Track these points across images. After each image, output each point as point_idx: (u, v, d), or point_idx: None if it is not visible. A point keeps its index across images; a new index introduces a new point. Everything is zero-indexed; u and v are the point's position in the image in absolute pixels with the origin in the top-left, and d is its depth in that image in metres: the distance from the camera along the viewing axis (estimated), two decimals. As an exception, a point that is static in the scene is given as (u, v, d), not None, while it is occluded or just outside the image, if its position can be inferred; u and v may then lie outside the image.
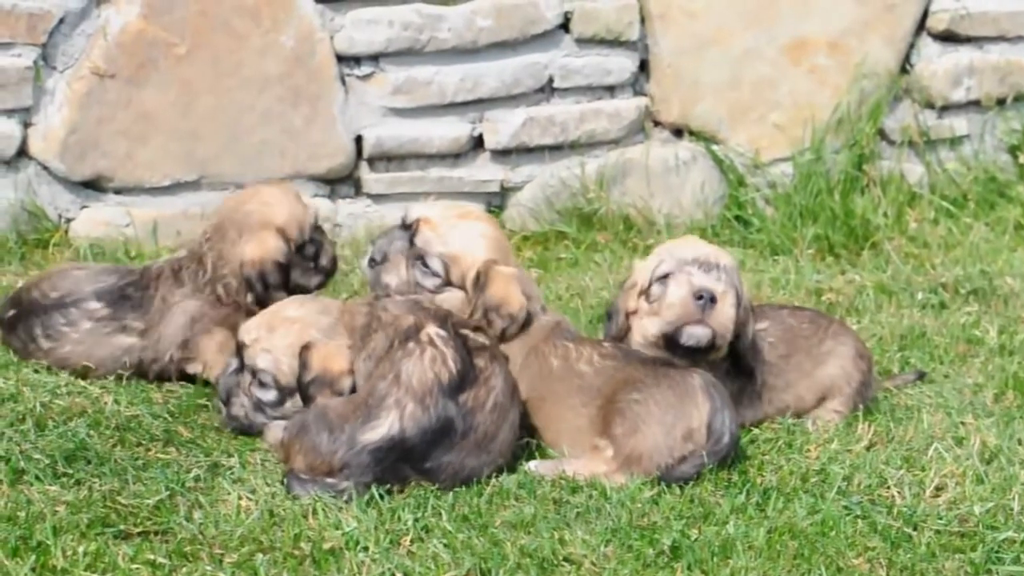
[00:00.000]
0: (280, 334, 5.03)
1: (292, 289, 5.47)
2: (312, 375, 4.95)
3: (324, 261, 5.59)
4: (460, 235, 5.20)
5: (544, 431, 5.02)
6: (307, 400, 4.94)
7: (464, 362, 4.74)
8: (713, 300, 4.99)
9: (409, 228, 5.23)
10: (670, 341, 5.03)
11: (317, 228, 5.61)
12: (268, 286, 5.44)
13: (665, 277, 5.05)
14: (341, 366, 4.94)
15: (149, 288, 5.57)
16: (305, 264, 5.54)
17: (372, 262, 5.29)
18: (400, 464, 4.63)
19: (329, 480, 4.61)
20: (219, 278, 5.49)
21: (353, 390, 4.90)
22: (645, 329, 5.10)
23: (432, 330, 4.78)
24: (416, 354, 4.72)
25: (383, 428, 4.62)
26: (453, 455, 4.69)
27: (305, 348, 4.97)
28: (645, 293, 5.10)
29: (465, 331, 4.87)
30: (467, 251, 5.18)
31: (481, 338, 4.89)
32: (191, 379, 5.49)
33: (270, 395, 5.06)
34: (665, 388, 4.84)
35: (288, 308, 5.12)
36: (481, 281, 5.13)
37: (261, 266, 5.42)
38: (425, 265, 5.18)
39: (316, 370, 4.94)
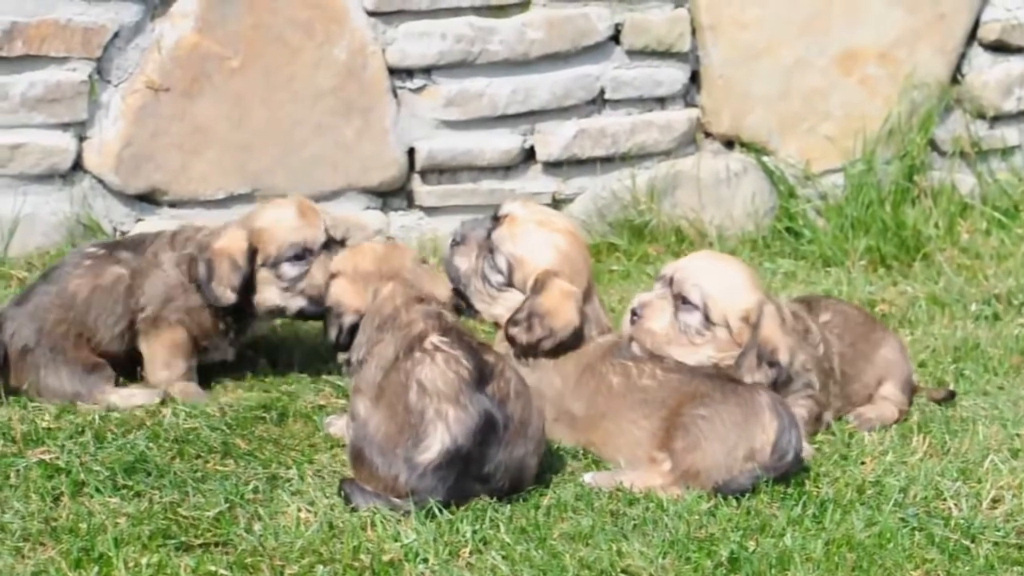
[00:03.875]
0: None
1: (257, 308, 5.57)
2: (329, 301, 5.11)
3: (303, 285, 5.52)
4: (532, 240, 5.22)
5: (603, 447, 5.04)
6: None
7: (476, 357, 4.75)
8: (635, 314, 5.20)
9: (497, 220, 5.29)
10: None
11: (307, 252, 5.49)
12: (212, 277, 5.45)
13: None
14: (354, 305, 5.05)
15: (144, 242, 5.67)
16: (279, 283, 5.51)
17: (453, 242, 5.36)
18: (463, 477, 4.62)
19: (395, 500, 4.61)
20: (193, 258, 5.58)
21: (352, 333, 5.02)
22: None
23: (435, 338, 4.79)
24: (427, 362, 4.72)
25: (436, 444, 4.60)
26: (503, 451, 4.68)
27: (333, 275, 5.13)
28: None
29: (467, 337, 4.88)
30: (532, 257, 5.20)
31: (478, 340, 4.92)
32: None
33: None
34: (732, 405, 4.84)
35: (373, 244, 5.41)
36: (537, 286, 5.16)
37: (213, 255, 5.46)
38: (493, 260, 5.24)
39: (331, 298, 5.10)
